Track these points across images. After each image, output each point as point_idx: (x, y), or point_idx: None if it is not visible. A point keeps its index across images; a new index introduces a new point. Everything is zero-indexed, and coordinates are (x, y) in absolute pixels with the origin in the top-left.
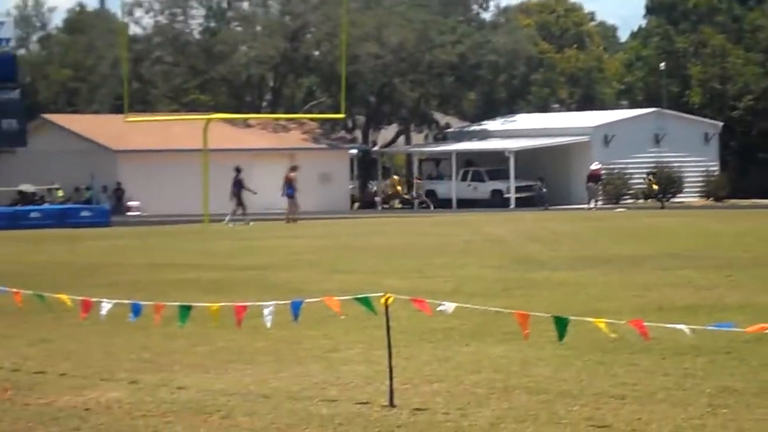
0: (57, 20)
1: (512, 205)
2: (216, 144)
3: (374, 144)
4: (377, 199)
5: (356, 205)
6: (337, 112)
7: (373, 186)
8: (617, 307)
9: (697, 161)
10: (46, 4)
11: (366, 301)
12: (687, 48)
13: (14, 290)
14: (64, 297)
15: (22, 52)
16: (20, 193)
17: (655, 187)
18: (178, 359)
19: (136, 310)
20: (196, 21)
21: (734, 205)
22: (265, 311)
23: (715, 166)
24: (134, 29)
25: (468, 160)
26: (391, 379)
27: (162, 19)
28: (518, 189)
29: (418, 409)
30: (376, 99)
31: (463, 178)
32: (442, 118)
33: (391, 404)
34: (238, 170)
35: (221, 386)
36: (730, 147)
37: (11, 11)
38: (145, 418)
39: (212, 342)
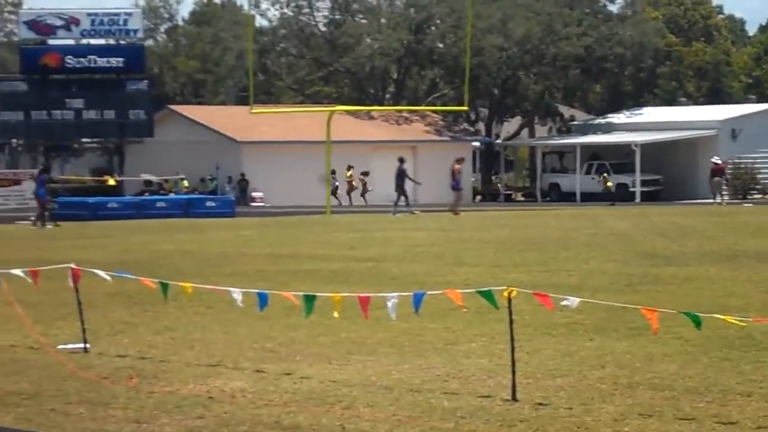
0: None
1: (637, 199)
2: (338, 136)
3: (497, 137)
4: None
5: (478, 197)
6: (460, 104)
7: (499, 179)
8: (744, 303)
9: None
10: None
11: (488, 295)
12: None
13: (142, 278)
14: (188, 286)
15: (149, 43)
16: (146, 182)
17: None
18: (301, 349)
19: (263, 300)
20: (322, 13)
21: None
22: (389, 303)
23: None
24: (260, 21)
25: (593, 153)
26: (513, 373)
27: (288, 12)
28: (644, 183)
29: (540, 404)
30: (500, 91)
31: (587, 172)
32: (566, 111)
33: (514, 398)
34: (401, 161)
35: (343, 377)
36: None
37: (140, 3)
38: (268, 407)
39: (334, 333)
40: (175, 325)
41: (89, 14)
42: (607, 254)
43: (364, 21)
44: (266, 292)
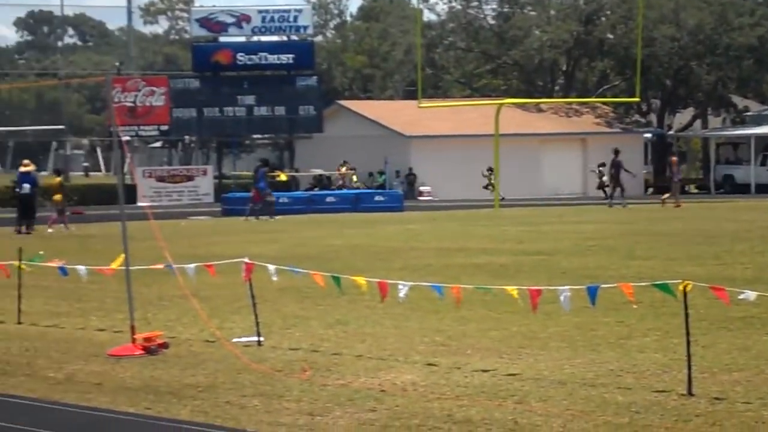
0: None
1: None
2: (507, 129)
3: (669, 128)
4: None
5: (650, 189)
6: (632, 95)
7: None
8: None
9: None
10: None
11: (665, 287)
12: None
13: (312, 272)
14: (360, 280)
15: (318, 39)
16: (316, 177)
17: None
18: (471, 343)
19: (439, 291)
20: (490, 6)
21: None
22: (562, 296)
23: None
24: (428, 15)
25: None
26: (689, 367)
27: (456, 5)
28: None
29: (717, 399)
30: (672, 82)
31: (762, 163)
32: (740, 102)
33: (690, 393)
34: (616, 152)
35: (515, 371)
36: None
37: None
38: (440, 400)
39: (505, 326)
40: (347, 319)
41: (260, 11)
42: None
43: (533, 13)
44: (440, 285)
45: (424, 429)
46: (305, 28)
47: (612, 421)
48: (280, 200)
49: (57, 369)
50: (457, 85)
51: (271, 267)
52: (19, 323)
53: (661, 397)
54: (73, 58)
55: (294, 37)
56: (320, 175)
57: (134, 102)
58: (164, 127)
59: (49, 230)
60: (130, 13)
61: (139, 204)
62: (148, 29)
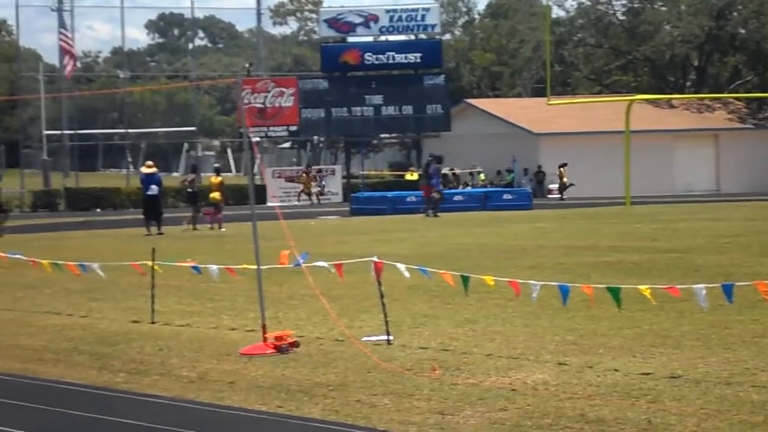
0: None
1: None
2: (638, 125)
3: None
4: None
5: None
6: (765, 90)
7: None
8: None
9: None
10: None
11: None
12: None
13: (441, 271)
14: (489, 279)
15: (447, 37)
16: (444, 176)
17: (565, 180)
18: (603, 342)
19: (565, 292)
20: (620, 2)
21: None
22: (698, 294)
23: None
24: (557, 12)
25: None
26: None
27: (585, 1)
28: None
29: None
30: None
31: None
32: None
33: None
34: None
35: (648, 370)
36: None
37: None
38: (572, 400)
39: (637, 325)
40: (476, 318)
41: (388, 11)
42: None
43: (663, 8)
44: (567, 285)
45: (556, 428)
46: (433, 26)
47: (747, 420)
48: (407, 199)
49: (190, 368)
50: (586, 82)
51: (401, 266)
52: (153, 323)
53: None
54: (204, 60)
55: (422, 36)
56: (449, 173)
57: (264, 103)
58: (293, 128)
59: (222, 229)
60: (259, 14)
61: (269, 204)
62: (277, 30)
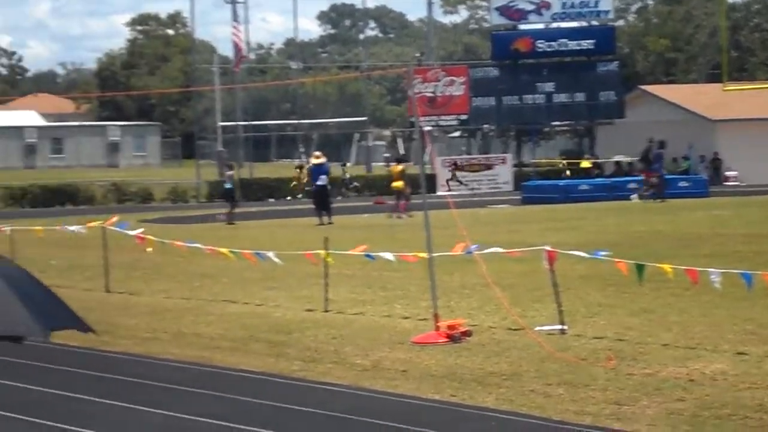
0: None
1: None
2: None
3: None
4: None
5: None
6: None
7: None
8: None
9: None
10: None
11: None
12: None
13: (616, 260)
14: (666, 267)
15: (620, 23)
16: (617, 164)
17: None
18: None
19: (748, 280)
20: None
21: None
22: None
23: None
24: None
25: None
26: None
27: None
28: None
29: None
30: None
31: None
32: None
33: None
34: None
35: None
36: None
37: None
38: (751, 390)
39: None
40: (652, 307)
41: None
42: None
43: None
44: (750, 272)
45: (735, 419)
46: (606, 12)
47: None
48: (579, 187)
49: (363, 356)
50: (763, 67)
51: (578, 252)
52: (326, 311)
53: None
54: (375, 50)
55: (594, 23)
56: (619, 162)
57: (434, 92)
58: (463, 117)
59: (405, 216)
60: (430, 4)
61: (439, 193)
62: (447, 19)
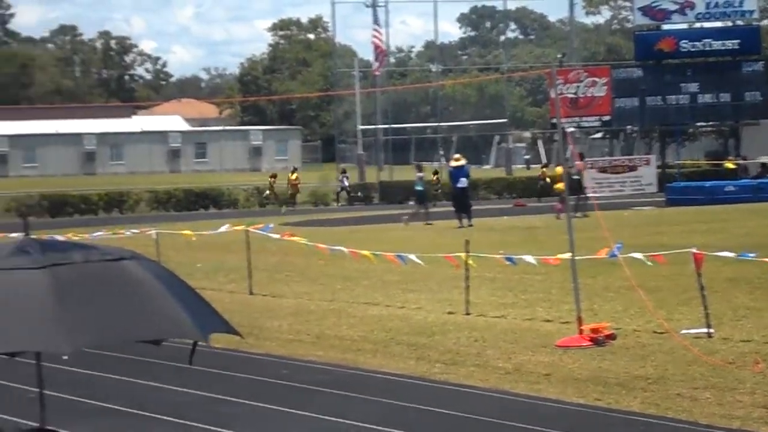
0: None
1: None
2: None
3: None
4: None
5: None
6: None
7: None
8: None
9: None
10: None
11: None
12: None
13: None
14: None
15: (765, 23)
16: (763, 165)
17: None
18: None
19: None
20: None
21: None
22: None
23: None
24: None
25: None
26: None
27: None
28: None
29: None
30: None
31: None
32: None
33: None
34: None
35: None
36: None
37: None
38: None
39: None
40: None
41: None
42: None
43: None
44: None
45: None
46: (751, 12)
47: None
48: (725, 189)
49: (506, 359)
50: None
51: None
52: (467, 314)
53: None
54: (515, 51)
55: (739, 22)
56: (765, 163)
57: (576, 93)
58: (606, 118)
59: (562, 217)
60: (572, 4)
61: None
62: (589, 20)
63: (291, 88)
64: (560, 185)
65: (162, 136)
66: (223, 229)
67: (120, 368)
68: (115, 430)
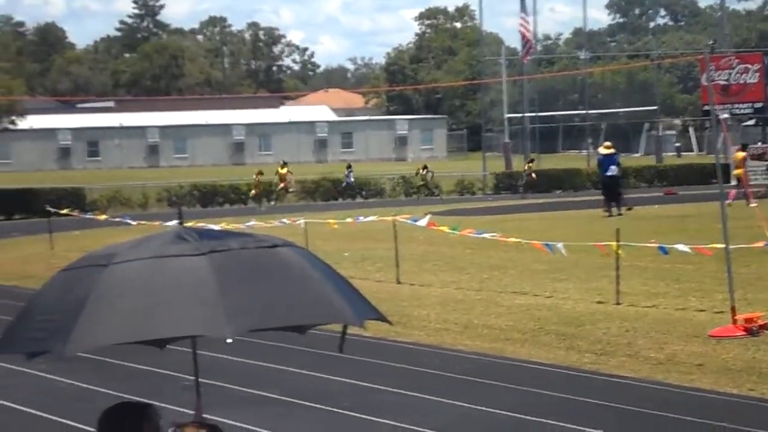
0: None
1: None
2: None
3: None
4: None
5: None
6: None
7: None
8: None
9: None
10: None
11: None
12: None
13: None
14: None
15: None
16: None
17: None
18: None
19: None
20: None
21: None
22: None
23: None
24: None
25: None
26: None
27: None
28: None
29: None
30: None
31: None
32: None
33: None
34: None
35: None
36: None
37: None
38: None
39: None
40: None
41: None
42: None
43: None
44: None
45: None
46: None
47: None
48: None
49: (657, 349)
50: None
51: None
52: (618, 303)
53: None
54: (665, 38)
55: None
56: None
57: (728, 80)
58: (758, 105)
59: (752, 205)
60: None
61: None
62: (741, 6)
63: (437, 77)
64: (739, 171)
65: (309, 126)
66: (368, 218)
67: (269, 356)
68: (269, 418)
